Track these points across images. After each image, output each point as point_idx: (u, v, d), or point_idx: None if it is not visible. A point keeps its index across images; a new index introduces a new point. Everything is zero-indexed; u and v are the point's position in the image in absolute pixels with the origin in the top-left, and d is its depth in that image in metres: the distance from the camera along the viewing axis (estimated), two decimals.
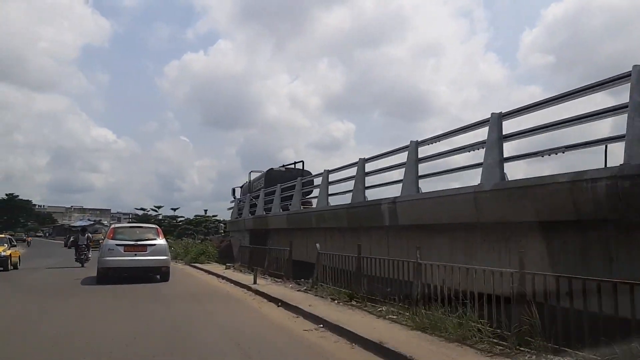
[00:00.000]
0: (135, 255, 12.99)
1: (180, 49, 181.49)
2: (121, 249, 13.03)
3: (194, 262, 22.05)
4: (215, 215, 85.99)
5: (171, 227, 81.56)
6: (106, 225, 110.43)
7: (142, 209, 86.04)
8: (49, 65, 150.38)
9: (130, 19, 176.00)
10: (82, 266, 19.33)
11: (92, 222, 35.14)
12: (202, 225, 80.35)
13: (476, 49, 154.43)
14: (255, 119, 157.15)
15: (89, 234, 22.42)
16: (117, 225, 16.10)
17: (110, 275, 12.96)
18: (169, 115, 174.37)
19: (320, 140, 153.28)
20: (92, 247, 21.11)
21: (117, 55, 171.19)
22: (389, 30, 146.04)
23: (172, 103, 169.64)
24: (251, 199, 20.15)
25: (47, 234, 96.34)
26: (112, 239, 13.42)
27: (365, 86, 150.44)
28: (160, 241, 13.65)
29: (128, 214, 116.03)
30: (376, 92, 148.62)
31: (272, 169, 20.82)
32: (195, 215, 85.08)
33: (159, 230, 14.51)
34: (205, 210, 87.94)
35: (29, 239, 50.44)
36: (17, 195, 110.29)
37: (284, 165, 20.74)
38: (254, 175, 24.60)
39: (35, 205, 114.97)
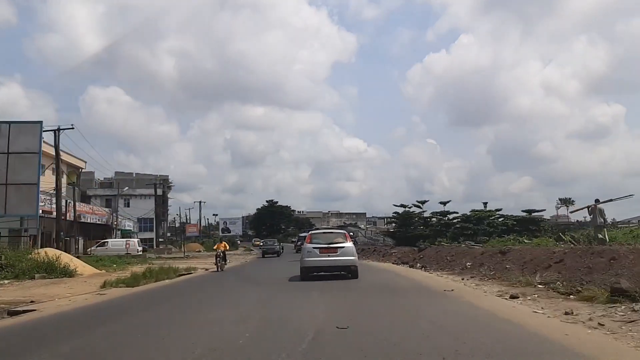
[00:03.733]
0: (329, 256, 14.42)
1: (422, 51, 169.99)
2: (317, 251, 14.59)
3: None
4: (500, 209, 64.81)
5: (441, 226, 63.03)
6: (362, 229, 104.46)
7: (402, 205, 69.41)
8: (305, 85, 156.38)
9: (373, 30, 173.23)
10: None
11: (304, 235, 32.60)
12: (484, 223, 59.55)
13: None
14: (505, 113, 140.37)
15: None
16: (313, 231, 18.42)
17: (310, 273, 14.55)
18: (414, 119, 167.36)
19: (583, 129, 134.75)
20: None
21: (363, 67, 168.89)
22: None
23: (417, 107, 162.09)
24: None
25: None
26: (309, 243, 15.13)
27: (635, 61, 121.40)
28: (348, 244, 14.98)
29: (383, 218, 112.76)
30: None
31: None
32: (472, 210, 64.32)
33: (347, 234, 16.16)
34: (485, 203, 67.65)
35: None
36: (277, 202, 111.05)
37: None
38: None
39: (294, 210, 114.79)
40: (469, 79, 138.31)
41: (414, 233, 61.91)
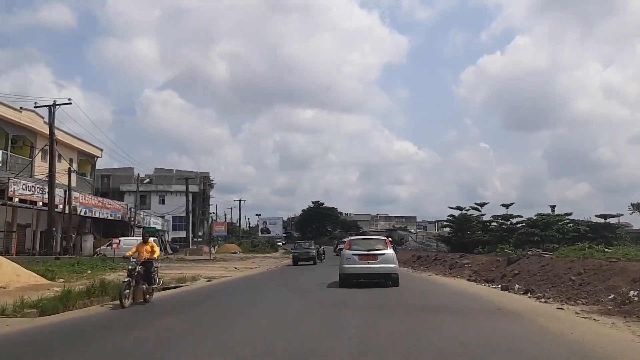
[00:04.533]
0: (368, 263, 14.12)
1: (476, 52, 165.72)
2: (356, 257, 14.25)
3: None
4: (570, 214, 57.28)
5: (503, 231, 56.12)
6: (412, 233, 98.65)
7: (458, 207, 63.14)
8: (355, 87, 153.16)
9: (425, 31, 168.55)
10: None
11: (343, 240, 31.25)
12: (552, 229, 52.52)
13: None
14: (562, 117, 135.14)
15: None
16: (352, 237, 18.04)
17: (349, 280, 14.28)
18: (467, 122, 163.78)
19: None
20: None
21: (415, 69, 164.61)
22: None
23: (470, 110, 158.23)
24: None
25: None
26: (349, 249, 14.77)
27: None
28: (389, 251, 14.55)
29: (433, 222, 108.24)
30: None
31: None
32: (538, 214, 57.10)
33: (387, 241, 15.51)
34: (553, 207, 60.48)
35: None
36: (323, 203, 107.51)
37: None
38: None
39: (340, 213, 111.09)
40: (525, 82, 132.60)
41: (472, 238, 55.68)
